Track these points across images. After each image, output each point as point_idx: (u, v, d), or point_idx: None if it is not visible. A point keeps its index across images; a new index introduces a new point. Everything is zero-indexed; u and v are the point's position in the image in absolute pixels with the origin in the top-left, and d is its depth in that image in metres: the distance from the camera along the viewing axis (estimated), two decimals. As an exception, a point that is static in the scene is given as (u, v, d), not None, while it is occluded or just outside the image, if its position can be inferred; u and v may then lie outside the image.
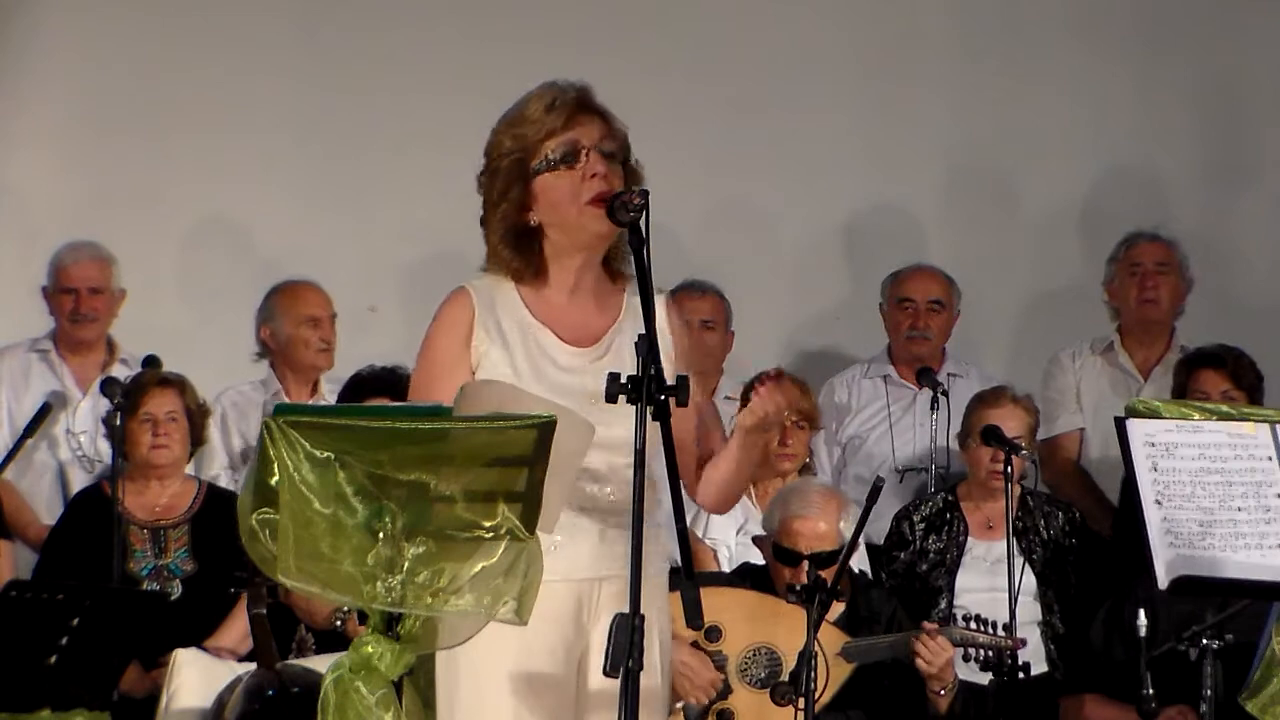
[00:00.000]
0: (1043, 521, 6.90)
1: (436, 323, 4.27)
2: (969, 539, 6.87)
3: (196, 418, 6.89)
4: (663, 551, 4.20)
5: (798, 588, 5.76)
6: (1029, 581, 6.73)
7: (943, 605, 6.77)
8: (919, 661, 6.09)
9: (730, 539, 6.88)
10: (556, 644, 4.13)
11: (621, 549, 3.99)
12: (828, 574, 5.86)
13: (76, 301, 7.40)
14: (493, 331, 4.21)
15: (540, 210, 4.21)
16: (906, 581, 6.87)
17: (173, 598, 6.67)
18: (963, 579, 6.82)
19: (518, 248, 4.23)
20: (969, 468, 6.95)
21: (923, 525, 6.94)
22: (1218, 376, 6.91)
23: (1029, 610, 6.71)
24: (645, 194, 4.05)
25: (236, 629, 6.63)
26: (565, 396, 4.08)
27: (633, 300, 4.23)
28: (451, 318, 4.24)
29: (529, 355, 4.21)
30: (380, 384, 6.62)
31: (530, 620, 3.99)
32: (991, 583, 6.69)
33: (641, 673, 3.86)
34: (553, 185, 4.19)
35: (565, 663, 4.15)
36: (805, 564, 6.11)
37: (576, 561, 4.14)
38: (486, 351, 4.21)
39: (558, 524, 4.04)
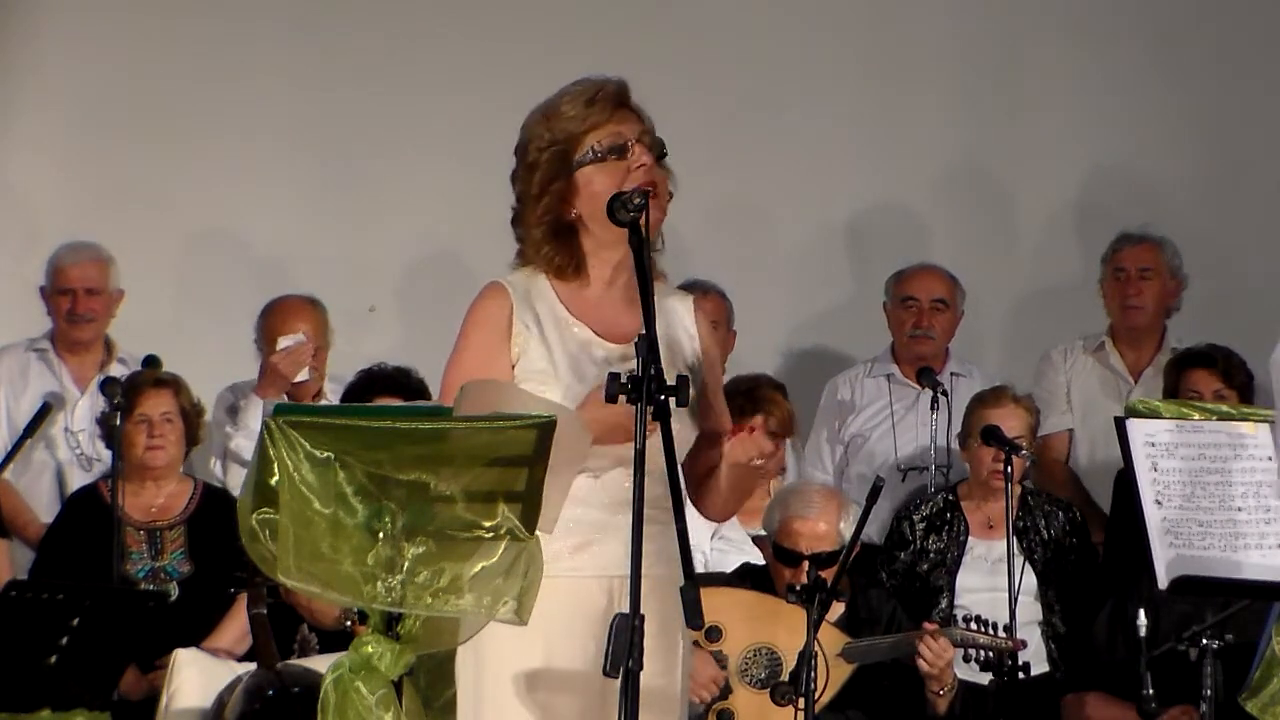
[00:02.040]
0: (1043, 521, 6.90)
1: (472, 318, 4.18)
2: (969, 539, 6.87)
3: (192, 418, 6.88)
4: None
5: (798, 588, 5.76)
6: (1030, 581, 6.72)
7: (943, 605, 6.77)
8: (921, 662, 6.08)
9: (705, 544, 6.87)
10: (587, 641, 4.08)
11: (653, 546, 3.92)
12: (828, 574, 5.86)
13: (73, 302, 7.39)
14: (532, 326, 4.15)
15: (581, 203, 4.15)
16: (907, 581, 6.87)
17: (171, 599, 6.66)
18: (963, 579, 6.82)
19: (558, 243, 4.18)
20: (970, 467, 6.94)
21: (923, 525, 6.93)
22: (1209, 376, 6.91)
23: (1030, 610, 6.70)
24: (645, 194, 4.04)
25: (233, 629, 6.62)
26: None
27: (664, 301, 4.21)
28: (488, 312, 4.17)
29: (566, 351, 4.16)
30: (391, 384, 6.60)
31: (560, 616, 4.01)
32: (992, 583, 6.68)
33: (661, 672, 3.87)
34: (597, 177, 4.13)
35: (594, 660, 4.10)
36: (805, 564, 6.10)
37: (610, 558, 4.08)
38: (526, 346, 4.15)
39: (590, 521, 4.06)
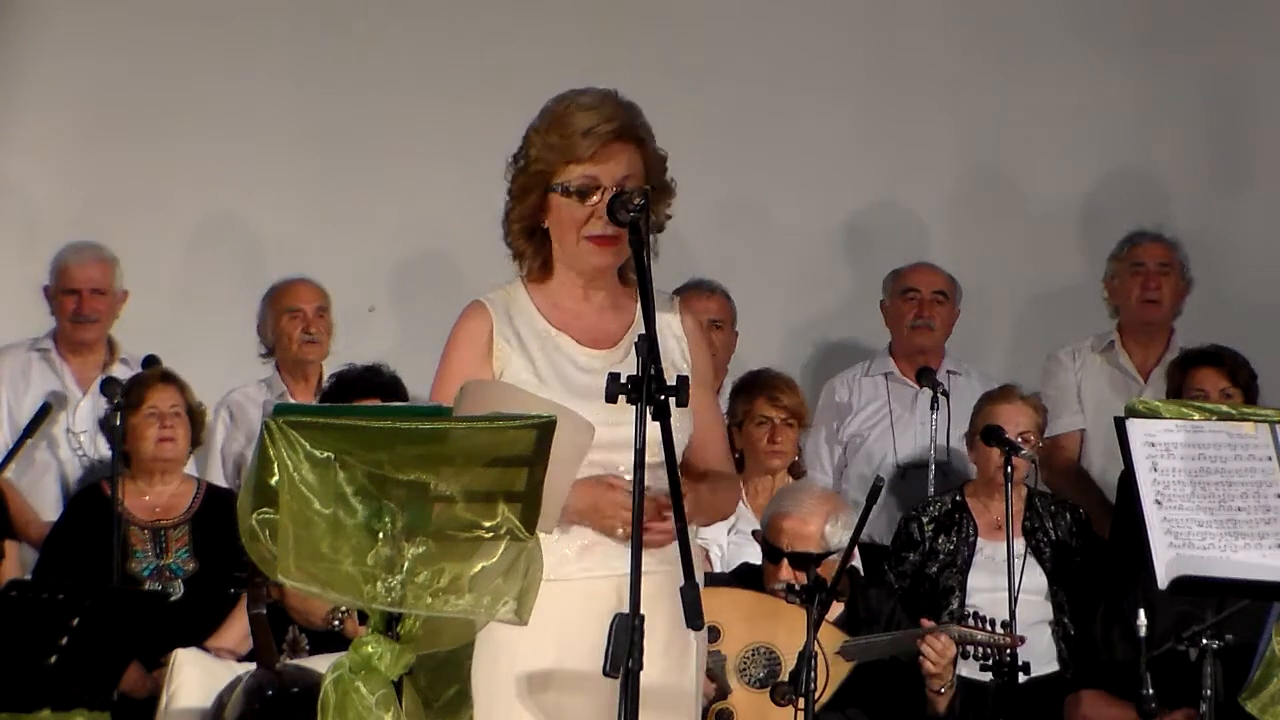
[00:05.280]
0: (1050, 522, 6.89)
1: (454, 337, 4.27)
2: (979, 539, 6.86)
3: (196, 416, 6.91)
4: (698, 551, 4.20)
5: (797, 588, 5.76)
6: (1040, 581, 6.73)
7: (954, 606, 6.76)
8: (925, 662, 6.07)
9: (722, 538, 6.88)
10: (598, 640, 4.08)
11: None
12: (827, 574, 5.85)
13: (78, 302, 7.40)
14: (512, 340, 4.23)
15: (550, 222, 4.26)
16: (916, 583, 6.86)
17: (174, 598, 6.67)
18: (974, 579, 6.81)
19: (532, 243, 4.29)
20: (978, 467, 6.93)
21: (931, 526, 6.92)
22: (1215, 375, 6.91)
23: (1041, 610, 6.71)
24: (646, 194, 4.06)
25: (237, 629, 6.62)
26: (587, 399, 4.08)
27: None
28: (469, 331, 4.26)
29: (550, 360, 4.23)
30: (368, 385, 6.62)
31: (573, 617, 4.04)
32: (1002, 583, 6.66)
33: (673, 670, 3.87)
34: (563, 208, 4.23)
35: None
36: (785, 561, 6.11)
37: (617, 557, 4.09)
38: (509, 360, 4.22)
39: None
